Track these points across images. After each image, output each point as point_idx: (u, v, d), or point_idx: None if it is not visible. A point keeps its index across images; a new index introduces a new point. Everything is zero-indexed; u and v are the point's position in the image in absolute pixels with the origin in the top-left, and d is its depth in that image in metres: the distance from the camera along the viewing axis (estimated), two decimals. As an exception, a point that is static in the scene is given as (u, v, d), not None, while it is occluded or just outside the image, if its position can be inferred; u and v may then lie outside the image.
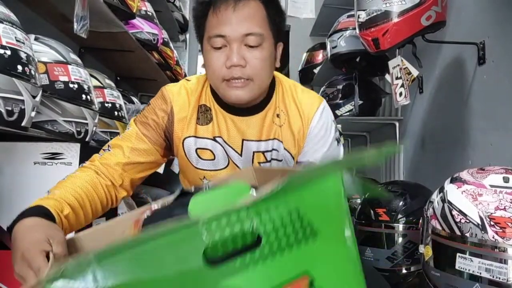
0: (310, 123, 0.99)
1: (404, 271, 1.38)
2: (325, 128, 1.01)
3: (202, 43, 0.95)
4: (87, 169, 0.88)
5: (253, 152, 0.98)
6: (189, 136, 0.98)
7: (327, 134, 1.01)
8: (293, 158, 1.01)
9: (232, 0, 0.87)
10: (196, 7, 0.94)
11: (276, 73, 1.02)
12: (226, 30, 0.87)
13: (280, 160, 1.00)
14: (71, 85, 1.14)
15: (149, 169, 0.97)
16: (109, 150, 0.93)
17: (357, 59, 2.31)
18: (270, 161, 1.00)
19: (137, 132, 0.95)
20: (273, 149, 0.99)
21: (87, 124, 1.20)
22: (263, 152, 0.99)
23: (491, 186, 0.96)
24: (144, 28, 2.06)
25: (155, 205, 0.75)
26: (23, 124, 0.91)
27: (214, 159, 0.99)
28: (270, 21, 0.91)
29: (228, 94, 0.91)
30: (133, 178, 0.94)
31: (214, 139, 0.98)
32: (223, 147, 0.98)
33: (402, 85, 1.56)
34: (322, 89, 2.51)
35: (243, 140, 0.98)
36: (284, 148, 0.99)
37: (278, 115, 0.99)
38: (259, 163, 0.99)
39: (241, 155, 0.98)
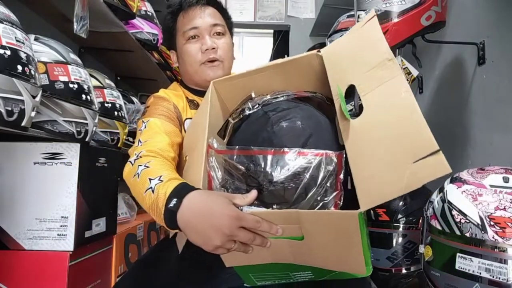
0: None
1: (404, 271, 1.38)
2: None
3: (175, 45, 1.15)
4: (152, 157, 0.86)
5: None
6: (187, 118, 1.09)
7: None
8: None
9: (198, 4, 1.11)
10: (167, 17, 1.15)
11: None
12: (198, 22, 1.10)
13: None
14: (71, 85, 1.14)
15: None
16: (141, 143, 0.92)
17: (357, 59, 2.30)
18: None
19: (160, 120, 0.98)
20: None
21: (87, 124, 1.20)
22: None
23: (491, 186, 0.96)
24: (144, 28, 2.06)
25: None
26: (23, 124, 0.91)
27: None
28: (226, 22, 1.16)
29: (206, 73, 1.09)
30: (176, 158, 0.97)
31: None
32: None
33: (402, 85, 1.55)
34: (322, 89, 2.50)
35: None
36: None
37: None
38: None
39: None
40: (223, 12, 1.17)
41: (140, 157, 0.86)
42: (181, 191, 0.71)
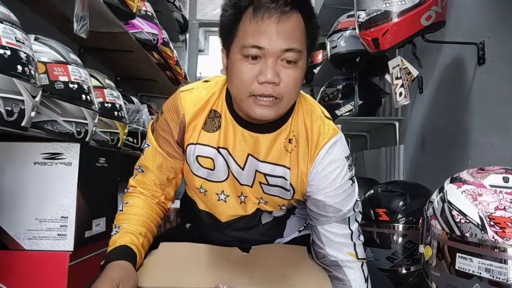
0: (316, 157, 0.90)
1: (404, 271, 1.38)
2: (334, 166, 0.90)
3: (228, 49, 0.86)
4: (135, 196, 0.98)
5: (256, 171, 0.93)
6: (192, 143, 0.94)
7: (336, 172, 0.90)
8: (294, 190, 0.94)
9: (277, 11, 0.79)
10: (229, 10, 0.85)
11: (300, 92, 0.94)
12: (265, 42, 0.80)
13: (285, 188, 0.94)
14: (71, 85, 1.14)
15: (181, 176, 1.03)
16: (142, 170, 0.99)
17: (357, 59, 2.31)
18: (271, 185, 0.94)
19: (156, 147, 0.97)
20: (278, 176, 0.92)
21: (87, 124, 1.20)
22: (265, 175, 0.92)
23: (491, 186, 0.96)
24: (144, 28, 2.06)
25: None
26: (23, 124, 0.91)
27: (213, 169, 0.94)
28: (308, 36, 0.85)
29: (252, 110, 0.83)
30: (171, 190, 1.02)
31: (218, 149, 0.93)
32: (225, 160, 0.93)
33: (402, 85, 1.56)
34: (322, 89, 2.51)
35: (248, 154, 0.92)
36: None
37: (290, 140, 0.92)
38: (260, 182, 0.94)
39: (243, 169, 0.93)
40: (309, 19, 0.85)
41: (128, 190, 1.01)
42: (116, 252, 0.87)
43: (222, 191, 0.95)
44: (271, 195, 0.94)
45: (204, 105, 0.93)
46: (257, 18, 0.80)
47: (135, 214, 0.94)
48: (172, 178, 0.99)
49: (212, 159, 0.94)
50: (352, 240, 0.93)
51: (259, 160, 0.92)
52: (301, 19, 0.83)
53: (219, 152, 0.93)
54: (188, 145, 0.94)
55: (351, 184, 0.93)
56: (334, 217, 0.91)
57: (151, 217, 0.97)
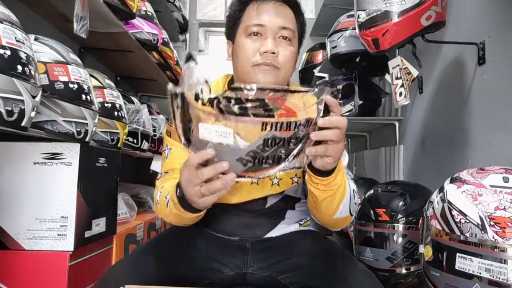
0: None
1: (404, 271, 1.38)
2: None
3: (233, 37, 1.02)
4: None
5: None
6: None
7: None
8: None
9: (274, 3, 0.98)
10: (236, 3, 1.03)
11: None
12: (265, 19, 0.96)
13: None
14: (71, 85, 1.14)
15: None
16: (162, 175, 1.03)
17: (357, 59, 2.31)
18: None
19: (179, 145, 1.02)
20: None
21: (87, 124, 1.20)
22: None
23: (491, 186, 0.96)
24: (144, 28, 2.06)
25: None
26: (23, 124, 0.91)
27: None
28: (297, 27, 1.02)
29: (257, 77, 0.96)
30: None
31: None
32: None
33: (402, 85, 1.56)
34: (322, 89, 2.50)
35: None
36: None
37: None
38: None
39: None
40: (299, 15, 1.04)
41: (161, 192, 0.97)
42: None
43: None
44: None
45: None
46: (260, 4, 0.98)
47: None
48: None
49: None
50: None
51: None
52: (291, 12, 1.00)
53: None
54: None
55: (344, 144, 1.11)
56: None
57: None
